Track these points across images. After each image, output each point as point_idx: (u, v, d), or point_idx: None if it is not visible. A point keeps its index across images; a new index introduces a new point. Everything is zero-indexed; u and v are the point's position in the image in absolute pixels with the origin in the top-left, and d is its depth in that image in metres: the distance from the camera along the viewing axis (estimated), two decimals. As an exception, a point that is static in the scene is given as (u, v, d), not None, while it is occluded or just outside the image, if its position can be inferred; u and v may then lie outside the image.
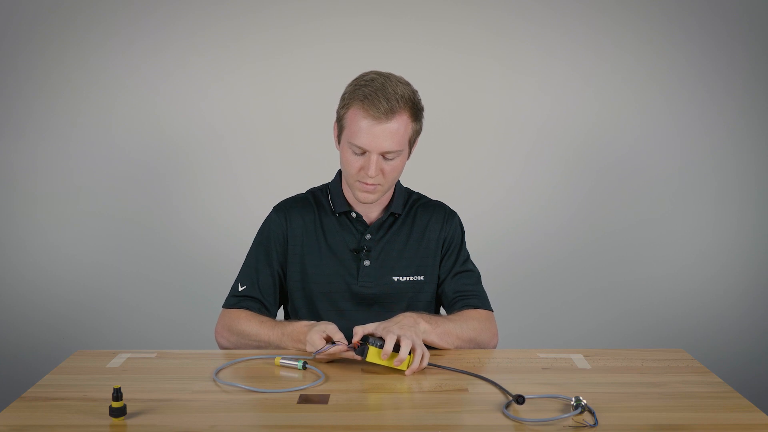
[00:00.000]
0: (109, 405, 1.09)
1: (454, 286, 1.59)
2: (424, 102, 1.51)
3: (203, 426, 1.08)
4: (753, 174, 2.67)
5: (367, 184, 1.47)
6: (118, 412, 1.09)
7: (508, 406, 1.14)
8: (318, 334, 1.33)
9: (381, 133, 1.41)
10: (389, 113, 1.40)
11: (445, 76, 2.61)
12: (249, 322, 1.51)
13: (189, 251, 2.69)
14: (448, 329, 1.44)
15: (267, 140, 2.66)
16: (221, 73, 2.62)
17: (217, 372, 1.30)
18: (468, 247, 1.67)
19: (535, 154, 2.67)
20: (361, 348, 1.29)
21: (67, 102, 2.62)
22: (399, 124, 1.43)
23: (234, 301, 1.58)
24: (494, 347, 1.54)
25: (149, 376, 1.30)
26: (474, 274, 1.63)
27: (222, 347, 1.56)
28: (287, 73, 2.61)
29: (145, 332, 2.68)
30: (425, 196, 1.69)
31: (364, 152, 1.44)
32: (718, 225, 2.70)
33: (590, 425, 1.07)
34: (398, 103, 1.41)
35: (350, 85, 1.48)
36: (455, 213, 1.67)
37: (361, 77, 1.47)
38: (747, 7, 2.58)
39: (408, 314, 1.40)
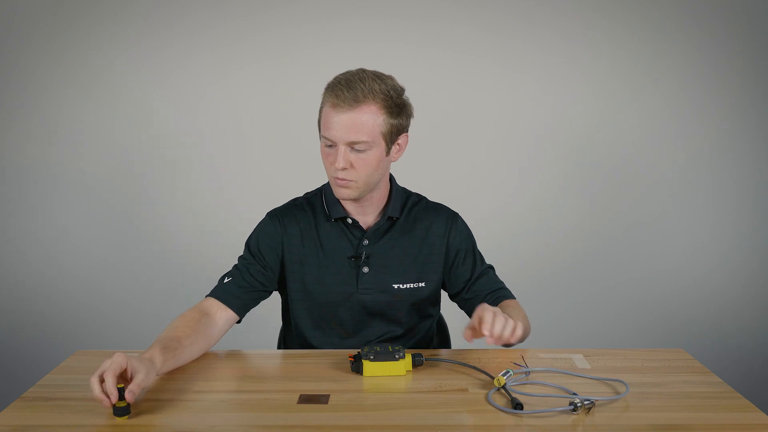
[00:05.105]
0: (113, 404, 1.09)
1: (484, 286, 1.56)
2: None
3: (203, 426, 1.08)
4: (754, 173, 2.67)
5: (338, 178, 1.43)
6: (122, 411, 1.09)
7: (507, 406, 1.14)
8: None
9: (346, 121, 1.38)
10: (353, 102, 1.37)
11: (444, 76, 2.61)
12: (174, 322, 1.39)
13: (190, 252, 2.69)
14: (521, 320, 1.37)
15: (270, 141, 2.66)
16: (221, 73, 2.62)
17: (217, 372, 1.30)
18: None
19: (534, 156, 2.67)
20: (356, 365, 1.29)
21: (67, 102, 2.62)
22: (366, 115, 1.39)
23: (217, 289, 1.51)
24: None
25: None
26: (492, 269, 1.61)
27: None
28: (287, 74, 2.62)
29: (145, 332, 2.67)
30: (424, 198, 1.63)
31: (333, 144, 1.41)
32: (718, 225, 2.70)
33: (589, 424, 1.07)
34: (363, 93, 1.38)
35: None
36: (457, 215, 1.61)
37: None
38: (747, 7, 2.58)
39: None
